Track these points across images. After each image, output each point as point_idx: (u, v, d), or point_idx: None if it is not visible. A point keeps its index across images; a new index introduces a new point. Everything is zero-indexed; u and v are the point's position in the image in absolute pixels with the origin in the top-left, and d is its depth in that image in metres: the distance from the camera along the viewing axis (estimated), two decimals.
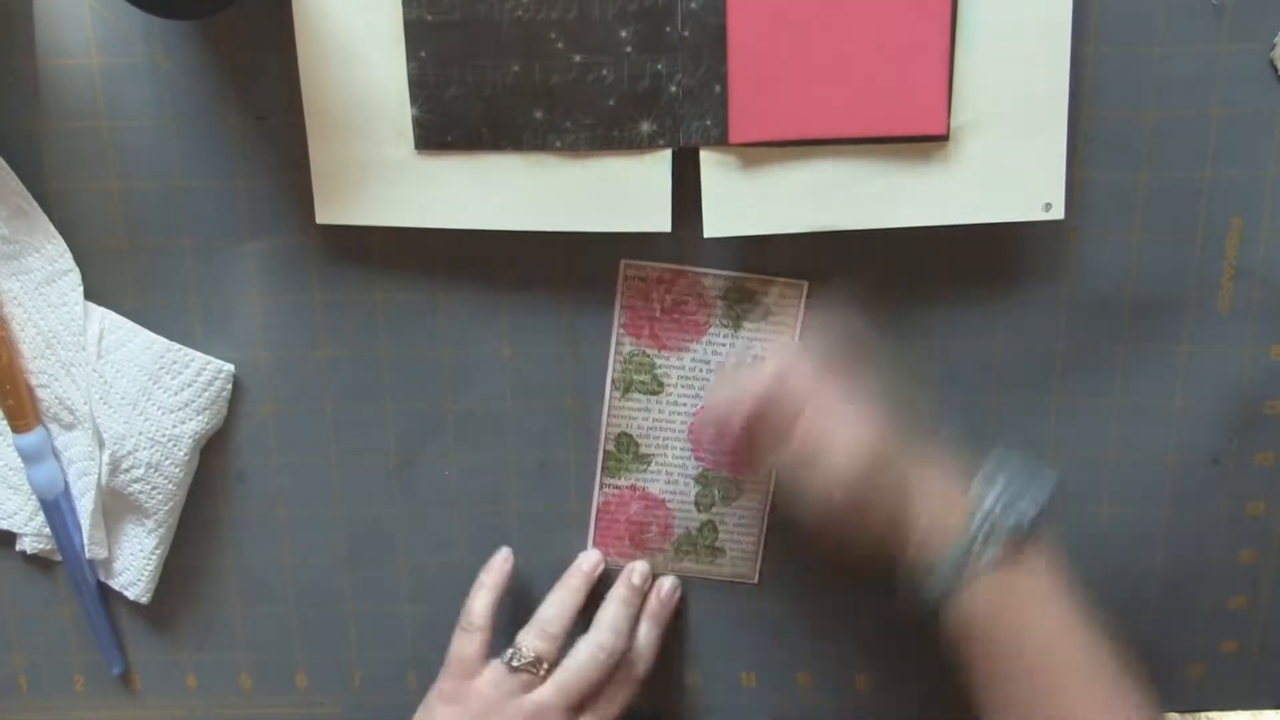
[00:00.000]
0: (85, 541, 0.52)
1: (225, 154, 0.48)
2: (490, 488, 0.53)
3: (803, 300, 0.49)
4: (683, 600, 0.54)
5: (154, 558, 0.52)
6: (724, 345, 0.47)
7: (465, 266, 0.50)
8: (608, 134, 0.45)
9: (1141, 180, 0.48)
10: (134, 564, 0.53)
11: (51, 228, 0.49)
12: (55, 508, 0.51)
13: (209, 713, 0.57)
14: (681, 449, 0.50)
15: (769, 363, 0.46)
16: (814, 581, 0.54)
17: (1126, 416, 0.51)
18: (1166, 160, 0.47)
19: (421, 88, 0.45)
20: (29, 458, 0.51)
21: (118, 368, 0.50)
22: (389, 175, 0.47)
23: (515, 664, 0.48)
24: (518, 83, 0.45)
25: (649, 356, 0.48)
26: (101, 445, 0.50)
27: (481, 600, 0.50)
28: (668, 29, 0.44)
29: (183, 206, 0.49)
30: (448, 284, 0.50)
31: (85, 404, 0.50)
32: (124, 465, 0.50)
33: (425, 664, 0.55)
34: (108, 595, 0.54)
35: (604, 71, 0.45)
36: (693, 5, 0.44)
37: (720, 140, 0.45)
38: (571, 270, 0.50)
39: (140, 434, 0.50)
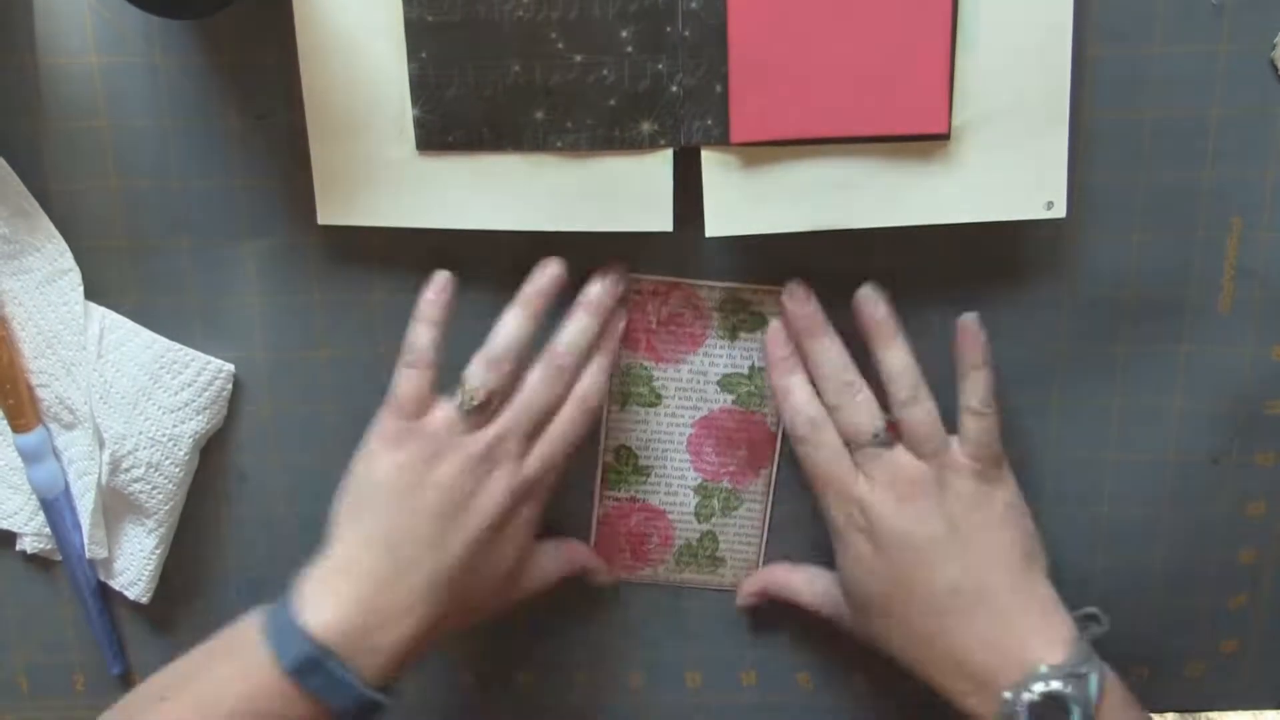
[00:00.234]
0: (85, 541, 0.52)
1: (225, 154, 0.48)
2: None
3: None
4: (685, 601, 0.54)
5: (154, 558, 0.52)
6: (721, 356, 0.47)
7: (465, 266, 0.50)
8: (609, 134, 0.45)
9: (1141, 180, 0.48)
10: (134, 564, 0.53)
11: (51, 228, 0.49)
12: (55, 508, 0.51)
13: None
14: (681, 460, 0.50)
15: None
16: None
17: (1126, 416, 0.51)
18: (1166, 160, 0.47)
19: (422, 88, 0.45)
20: (29, 458, 0.51)
21: (118, 367, 0.50)
22: (390, 175, 0.47)
23: (467, 407, 0.45)
24: (518, 83, 0.45)
25: (646, 369, 0.48)
26: (101, 445, 0.50)
27: (424, 334, 0.46)
28: (668, 29, 0.44)
29: (183, 206, 0.49)
30: None
31: (85, 404, 0.50)
32: (124, 465, 0.50)
33: (428, 661, 0.55)
34: (108, 595, 0.54)
35: (605, 71, 0.45)
36: (693, 5, 0.44)
37: (721, 140, 0.45)
38: (572, 270, 0.50)
39: (140, 434, 0.50)
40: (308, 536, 0.54)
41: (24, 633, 0.56)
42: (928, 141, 0.45)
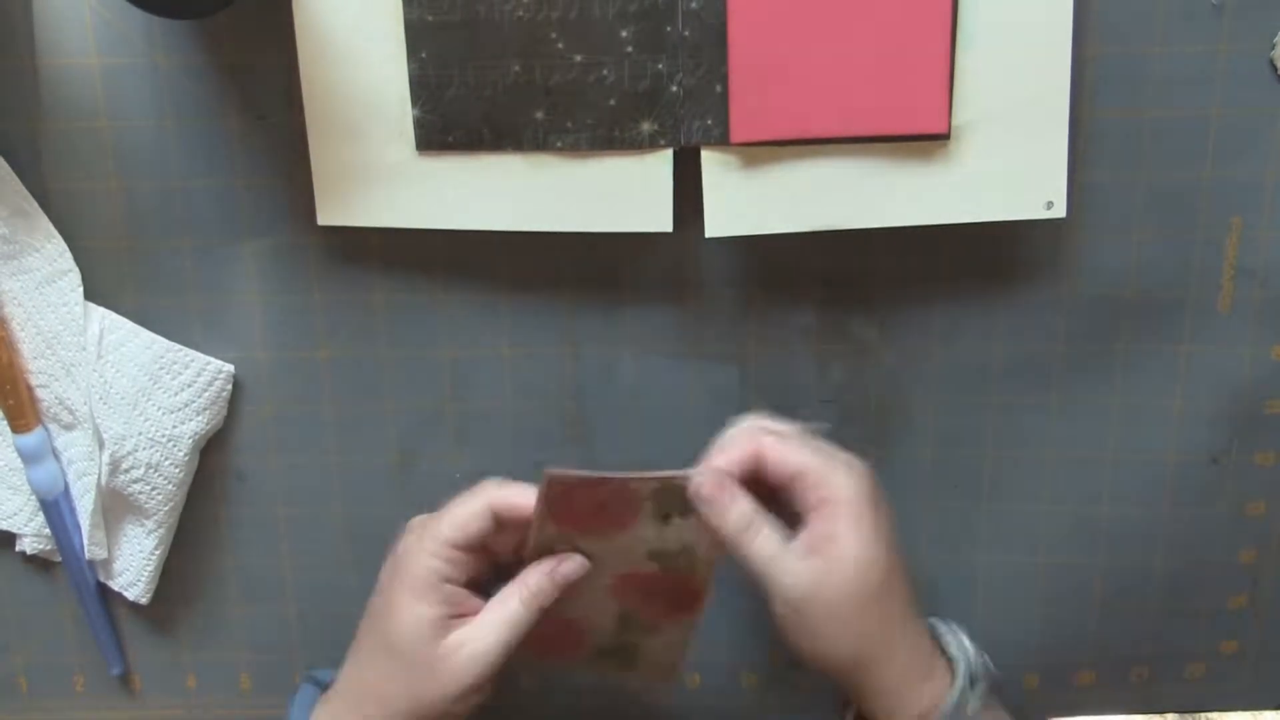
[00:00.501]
0: (85, 542, 0.52)
1: (225, 154, 0.48)
2: None
3: None
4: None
5: (154, 558, 0.52)
6: (649, 537, 0.46)
7: (465, 266, 0.50)
8: (609, 134, 0.45)
9: (1141, 180, 0.48)
10: (134, 564, 0.53)
11: (51, 228, 0.49)
12: (55, 508, 0.51)
13: (209, 713, 0.57)
14: (602, 590, 0.47)
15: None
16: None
17: (1126, 416, 0.51)
18: (1166, 160, 0.47)
19: (422, 88, 0.45)
20: (29, 458, 0.51)
21: (118, 368, 0.50)
22: (390, 176, 0.47)
23: None
24: (518, 83, 0.45)
25: (572, 539, 0.45)
26: (101, 445, 0.50)
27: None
28: (668, 29, 0.44)
29: (183, 206, 0.49)
30: (448, 284, 0.50)
31: (85, 404, 0.50)
32: (124, 465, 0.50)
33: None
34: (108, 595, 0.54)
35: (605, 71, 0.45)
36: (693, 5, 0.44)
37: (721, 140, 0.45)
38: (572, 270, 0.50)
39: (140, 434, 0.50)
40: (308, 536, 0.54)
41: (24, 633, 0.56)
42: (928, 141, 0.45)
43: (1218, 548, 0.53)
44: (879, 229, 0.46)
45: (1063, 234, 0.48)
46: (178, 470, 0.51)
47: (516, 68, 0.45)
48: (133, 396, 0.50)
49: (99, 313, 0.50)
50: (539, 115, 0.45)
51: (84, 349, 0.50)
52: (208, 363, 0.50)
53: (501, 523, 0.45)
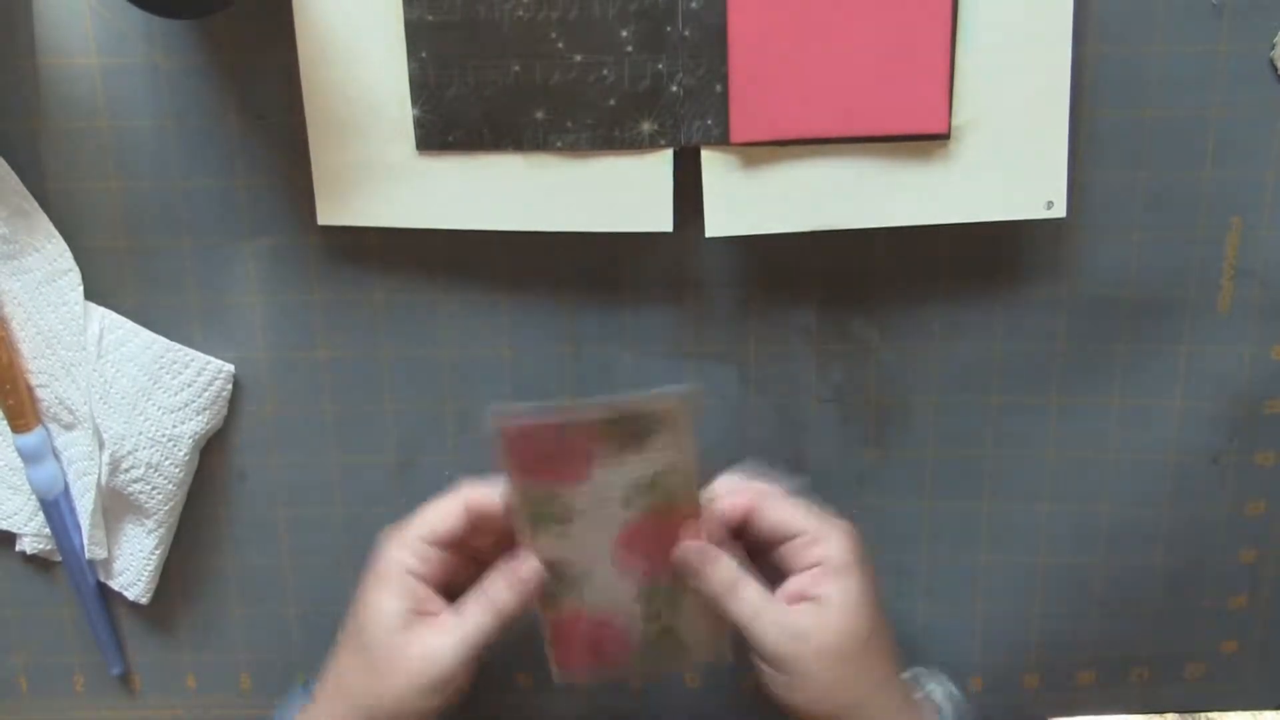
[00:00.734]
0: (85, 541, 0.52)
1: (225, 154, 0.48)
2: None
3: (688, 408, 0.45)
4: None
5: (154, 558, 0.52)
6: (622, 471, 0.45)
7: (465, 266, 0.50)
8: (609, 134, 0.45)
9: (1141, 180, 0.48)
10: (134, 564, 0.53)
11: (51, 228, 0.49)
12: (55, 508, 0.51)
13: (209, 713, 0.57)
14: (609, 568, 0.47)
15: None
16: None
17: (1126, 416, 0.51)
18: (1166, 160, 0.47)
19: (422, 88, 0.45)
20: (29, 458, 0.51)
21: (118, 368, 0.50)
22: (390, 175, 0.47)
23: None
24: (518, 83, 0.45)
25: (547, 487, 0.45)
26: (101, 445, 0.50)
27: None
28: (668, 28, 0.44)
29: (183, 206, 0.49)
30: (448, 284, 0.50)
31: (85, 404, 0.50)
32: (124, 465, 0.50)
33: None
34: (108, 595, 0.54)
35: (605, 71, 0.45)
36: (693, 5, 0.44)
37: (721, 140, 0.45)
38: (572, 270, 0.50)
39: (140, 434, 0.50)
40: (308, 536, 0.54)
41: (24, 633, 0.56)
42: (928, 141, 0.45)
43: (1218, 548, 0.53)
44: (879, 229, 0.46)
45: (1063, 234, 0.48)
46: (178, 470, 0.51)
47: (516, 68, 0.45)
48: (133, 396, 0.50)
49: (99, 312, 0.50)
50: (539, 115, 0.45)
51: (84, 349, 0.50)
52: (208, 362, 0.50)
53: (477, 522, 0.45)
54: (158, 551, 0.52)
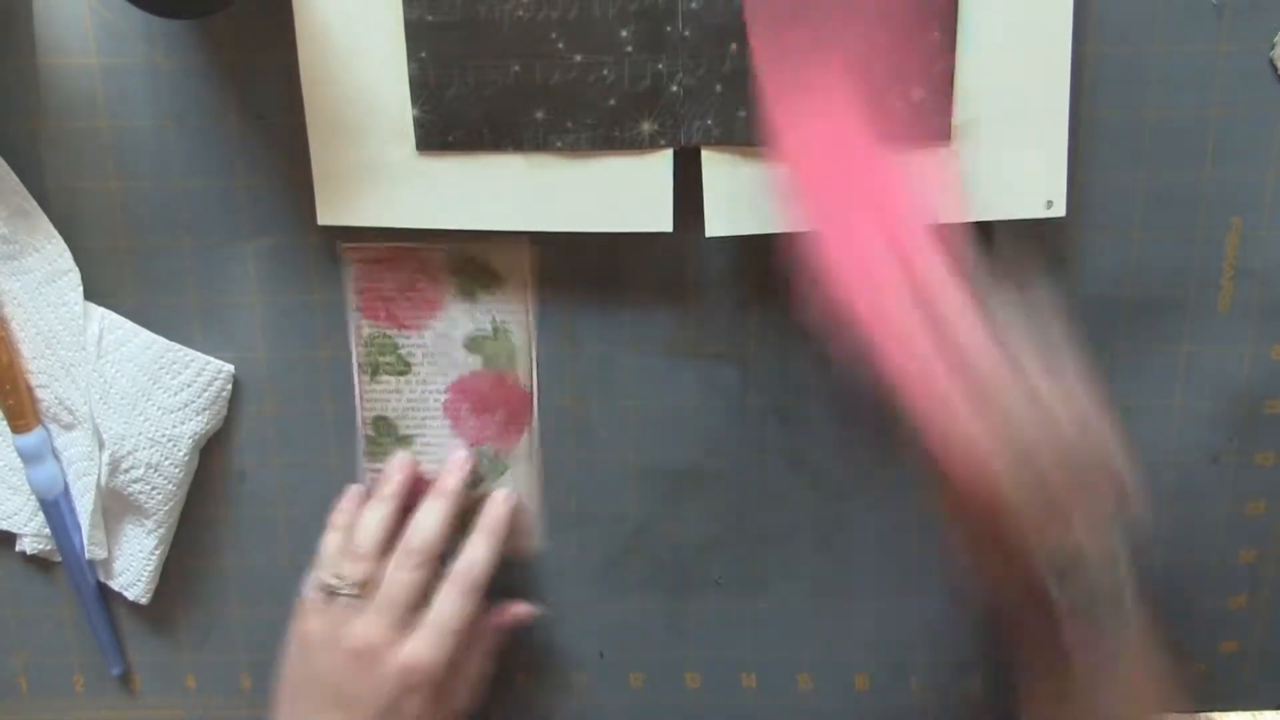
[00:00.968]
0: (85, 542, 0.52)
1: (225, 154, 0.48)
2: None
3: (529, 260, 0.48)
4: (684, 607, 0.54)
5: (154, 558, 0.52)
6: (463, 318, 0.45)
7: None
8: (609, 134, 0.45)
9: (1141, 180, 0.48)
10: (134, 564, 0.53)
11: (51, 228, 0.49)
12: (55, 508, 0.51)
13: (209, 713, 0.57)
14: (440, 426, 0.49)
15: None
16: (813, 582, 0.54)
17: (1126, 416, 0.51)
18: (1166, 160, 0.47)
19: (422, 88, 0.45)
20: (29, 458, 0.51)
21: (118, 368, 0.50)
22: (390, 176, 0.47)
23: (336, 601, 0.46)
24: (518, 83, 0.45)
25: (390, 337, 0.46)
26: (101, 445, 0.50)
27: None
28: (668, 28, 0.44)
29: (183, 206, 0.49)
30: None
31: (85, 404, 0.50)
32: (124, 465, 0.50)
33: None
34: (108, 595, 0.54)
35: (605, 71, 0.45)
36: (693, 5, 0.44)
37: (721, 140, 0.45)
38: (571, 270, 0.50)
39: (140, 434, 0.50)
40: (308, 536, 0.54)
41: (24, 633, 0.56)
42: (927, 141, 0.45)
43: (1218, 548, 0.53)
44: None
45: (1063, 234, 0.48)
46: (178, 470, 0.51)
47: (516, 68, 0.45)
48: (133, 396, 0.50)
49: (99, 312, 0.50)
50: (539, 115, 0.45)
51: (84, 349, 0.50)
52: (208, 363, 0.50)
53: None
54: (158, 551, 0.52)
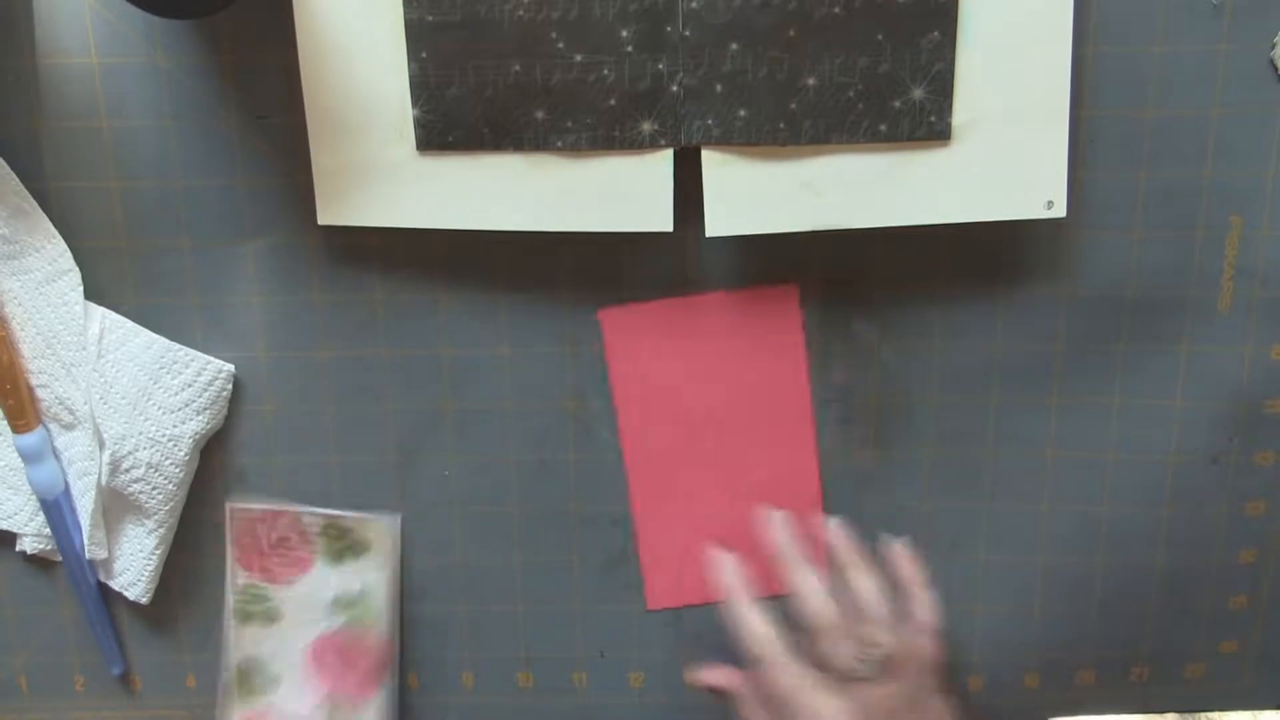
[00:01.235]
0: (85, 541, 0.52)
1: (225, 154, 0.48)
2: (490, 488, 0.53)
3: (398, 533, 0.52)
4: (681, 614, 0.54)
5: (154, 558, 0.52)
6: (330, 579, 0.50)
7: (465, 266, 0.50)
8: (609, 134, 0.45)
9: (1141, 179, 0.48)
10: (134, 564, 0.53)
11: (51, 228, 0.49)
12: (55, 508, 0.51)
13: (209, 713, 0.57)
14: (305, 672, 0.52)
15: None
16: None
17: (1126, 416, 0.51)
18: (1166, 160, 0.47)
19: (422, 88, 0.45)
20: (29, 458, 0.51)
21: (118, 368, 0.50)
22: (390, 176, 0.47)
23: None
24: (519, 83, 0.45)
25: (262, 589, 0.51)
26: (101, 445, 0.50)
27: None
28: (668, 29, 0.44)
29: (183, 206, 0.49)
30: (448, 284, 0.50)
31: (85, 404, 0.50)
32: (124, 465, 0.50)
33: (424, 663, 0.55)
34: (108, 595, 0.54)
35: (605, 71, 0.45)
36: (693, 5, 0.44)
37: (721, 140, 0.45)
38: (572, 270, 0.50)
39: (140, 434, 0.50)
40: None
41: (24, 633, 0.56)
42: (928, 141, 0.45)
43: (1218, 548, 0.53)
44: (879, 229, 0.46)
45: (1063, 234, 0.48)
46: (178, 470, 0.51)
47: (516, 68, 0.45)
48: (133, 396, 0.50)
49: (99, 312, 0.50)
50: (539, 115, 0.45)
51: (84, 349, 0.50)
52: (208, 363, 0.50)
53: None
54: (158, 551, 0.52)
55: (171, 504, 0.52)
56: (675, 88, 0.45)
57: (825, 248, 0.48)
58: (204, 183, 0.49)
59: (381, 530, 0.50)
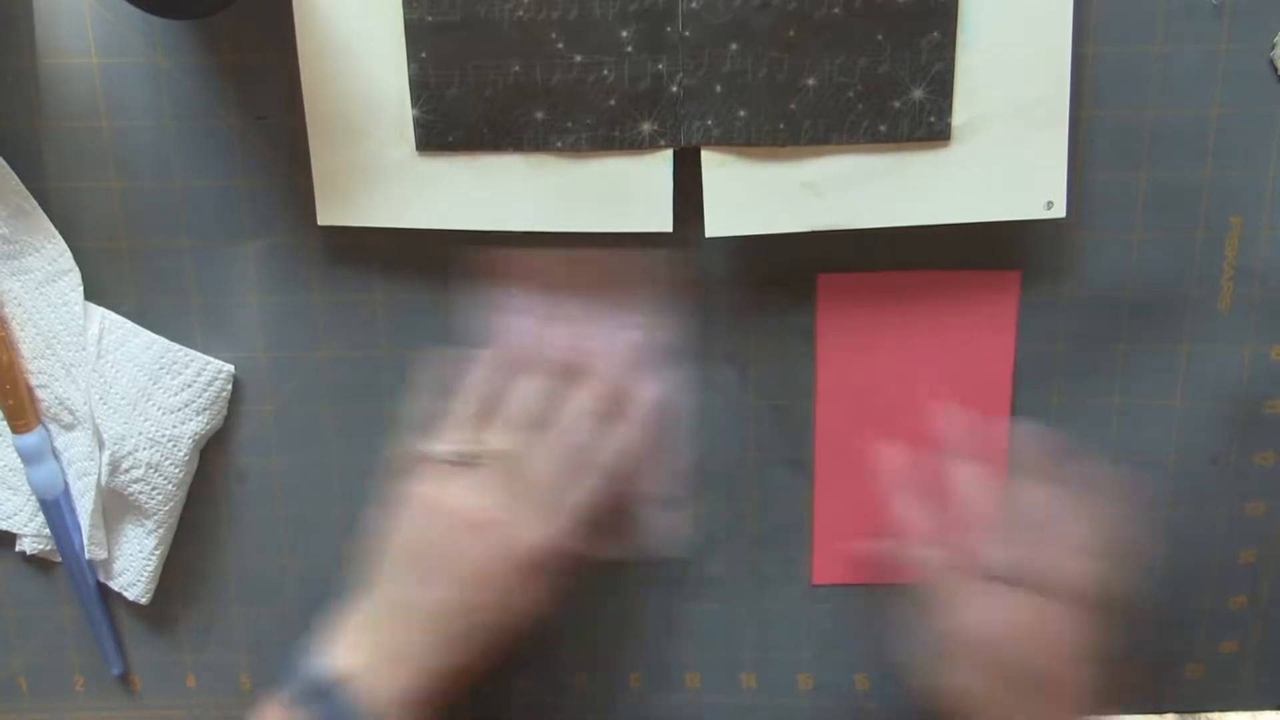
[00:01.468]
0: (85, 542, 0.52)
1: (225, 154, 0.48)
2: None
3: None
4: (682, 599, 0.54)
5: (154, 558, 0.52)
6: None
7: (465, 266, 0.50)
8: (609, 134, 0.45)
9: (1141, 180, 0.48)
10: (134, 564, 0.53)
11: (51, 228, 0.49)
12: (55, 508, 0.51)
13: (209, 713, 0.57)
14: None
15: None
16: (814, 582, 0.54)
17: (1126, 416, 0.51)
18: (1166, 160, 0.47)
19: (422, 88, 0.45)
20: (29, 458, 0.51)
21: (118, 368, 0.50)
22: (390, 176, 0.47)
23: (464, 461, 0.45)
24: (518, 83, 0.45)
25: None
26: (101, 445, 0.50)
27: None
28: (668, 29, 0.44)
29: (183, 206, 0.49)
30: (448, 284, 0.50)
31: (85, 404, 0.50)
32: (124, 465, 0.50)
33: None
34: (108, 595, 0.54)
35: (605, 71, 0.45)
36: (693, 5, 0.44)
37: (721, 140, 0.45)
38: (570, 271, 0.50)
39: (140, 434, 0.50)
40: (308, 536, 0.54)
41: (24, 633, 0.56)
42: (928, 141, 0.45)
43: (1218, 548, 0.53)
44: (879, 229, 0.46)
45: (1063, 234, 0.48)
46: (178, 470, 0.51)
47: (516, 68, 0.45)
48: (133, 396, 0.50)
49: (99, 313, 0.50)
50: (539, 115, 0.45)
51: (84, 349, 0.50)
52: (208, 363, 0.50)
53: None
54: (158, 551, 0.52)
55: (171, 504, 0.52)
56: (675, 88, 0.45)
57: (825, 248, 0.48)
58: (204, 183, 0.49)
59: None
